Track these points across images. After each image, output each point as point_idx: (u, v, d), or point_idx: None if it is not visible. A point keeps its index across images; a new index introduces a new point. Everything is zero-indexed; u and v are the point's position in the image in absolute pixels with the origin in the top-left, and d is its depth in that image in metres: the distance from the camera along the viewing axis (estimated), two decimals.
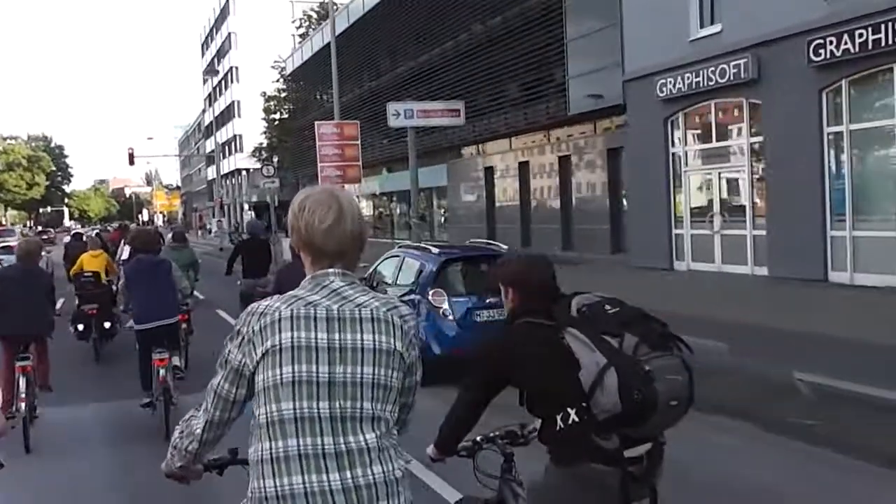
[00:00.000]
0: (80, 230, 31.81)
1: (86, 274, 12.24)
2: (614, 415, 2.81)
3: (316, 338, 2.19)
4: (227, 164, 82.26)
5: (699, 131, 19.11)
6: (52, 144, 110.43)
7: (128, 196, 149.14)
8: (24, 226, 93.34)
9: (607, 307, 3.01)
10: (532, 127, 25.44)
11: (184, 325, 10.37)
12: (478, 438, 3.50)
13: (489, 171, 29.26)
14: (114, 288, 11.94)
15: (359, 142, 22.34)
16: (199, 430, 2.37)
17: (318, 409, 2.14)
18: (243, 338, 2.24)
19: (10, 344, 8.13)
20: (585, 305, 3.02)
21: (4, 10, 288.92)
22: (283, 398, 2.14)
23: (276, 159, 55.37)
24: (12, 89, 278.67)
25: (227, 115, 78.99)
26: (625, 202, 22.12)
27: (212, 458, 2.67)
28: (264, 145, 56.59)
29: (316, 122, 22.01)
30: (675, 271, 19.12)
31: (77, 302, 12.22)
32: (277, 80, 54.39)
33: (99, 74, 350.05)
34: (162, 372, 7.96)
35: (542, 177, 26.07)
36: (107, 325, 11.86)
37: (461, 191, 31.87)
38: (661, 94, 18.80)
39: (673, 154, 19.37)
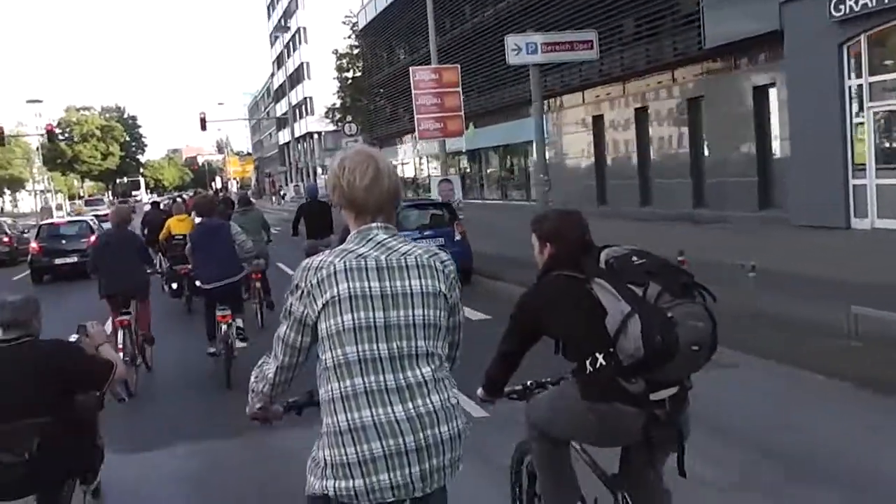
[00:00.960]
0: (157, 199, 32.58)
1: (176, 237, 12.75)
2: (638, 359, 2.87)
3: (369, 286, 2.38)
4: (298, 128, 79.97)
5: (890, 60, 15.33)
6: (126, 115, 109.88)
7: (200, 164, 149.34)
8: (111, 195, 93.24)
9: (634, 258, 3.06)
10: (654, 67, 21.83)
11: (257, 285, 11.47)
12: (528, 382, 3.61)
13: (598, 121, 25.73)
14: None
15: (460, 89, 19.18)
16: (270, 374, 2.58)
17: (378, 350, 2.35)
18: (302, 291, 2.43)
19: (111, 301, 8.79)
20: (613, 257, 3.09)
21: None
22: (347, 343, 2.35)
23: (349, 119, 52.80)
24: (85, 62, 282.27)
25: (296, 78, 76.41)
26: (776, 147, 18.52)
27: (290, 399, 2.82)
28: (337, 105, 53.75)
29: (411, 68, 18.93)
30: (852, 230, 15.57)
31: (169, 263, 13.19)
32: (349, 37, 51.35)
33: (167, 44, 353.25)
34: (224, 328, 8.48)
35: (666, 124, 22.48)
36: (197, 282, 11.53)
37: (563, 144, 28.34)
38: (835, 14, 15.08)
39: (850, 87, 15.65)
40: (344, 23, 51.21)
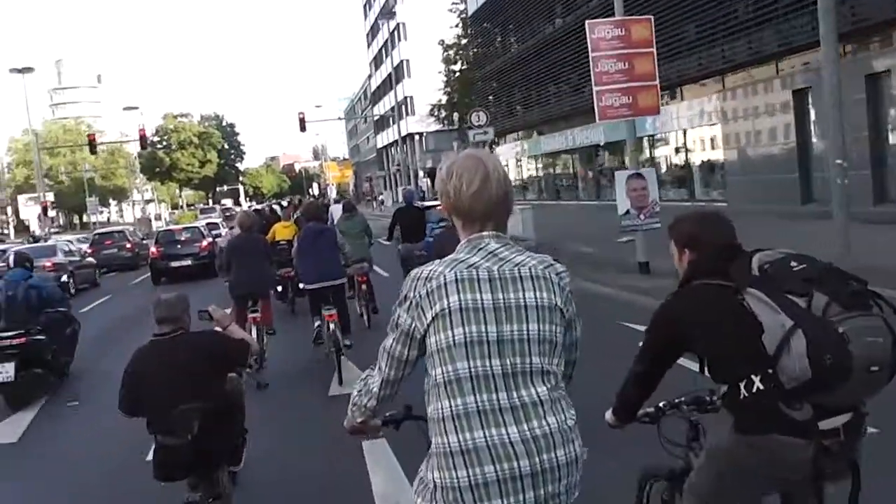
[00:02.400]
0: (258, 206, 34.21)
1: (280, 243, 12.94)
2: (803, 382, 2.45)
3: (481, 299, 2.19)
4: (397, 131, 75.68)
5: None
6: (224, 123, 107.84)
7: (297, 171, 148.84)
8: (212, 203, 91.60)
9: (793, 263, 2.60)
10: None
11: (363, 287, 11.74)
12: (661, 404, 3.17)
13: (800, 95, 19.71)
14: None
15: (654, 49, 13.60)
16: (375, 388, 2.42)
17: (491, 366, 2.16)
18: (411, 302, 2.25)
19: (240, 300, 9.47)
20: (767, 263, 2.64)
21: None
22: (458, 358, 2.16)
23: (456, 116, 47.80)
24: (184, 72, 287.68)
25: (394, 78, 71.98)
26: None
27: (388, 414, 2.71)
28: (443, 102, 48.81)
29: (588, 23, 13.48)
30: None
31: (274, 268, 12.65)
32: (456, 25, 46.33)
33: (263, 52, 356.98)
34: (332, 326, 8.64)
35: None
36: (301, 285, 11.57)
37: (755, 130, 22.35)
38: None
39: None
40: (450, 10, 46.30)
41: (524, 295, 2.22)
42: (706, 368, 2.79)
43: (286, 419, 7.45)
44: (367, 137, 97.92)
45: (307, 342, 9.72)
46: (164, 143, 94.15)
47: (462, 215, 2.31)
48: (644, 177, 13.73)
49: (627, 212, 13.58)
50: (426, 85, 58.15)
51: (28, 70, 39.76)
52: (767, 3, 19.08)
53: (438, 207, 19.09)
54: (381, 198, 67.22)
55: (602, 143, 30.73)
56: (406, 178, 72.36)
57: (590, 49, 13.36)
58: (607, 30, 13.41)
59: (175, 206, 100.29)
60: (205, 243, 23.00)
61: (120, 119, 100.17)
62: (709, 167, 24.33)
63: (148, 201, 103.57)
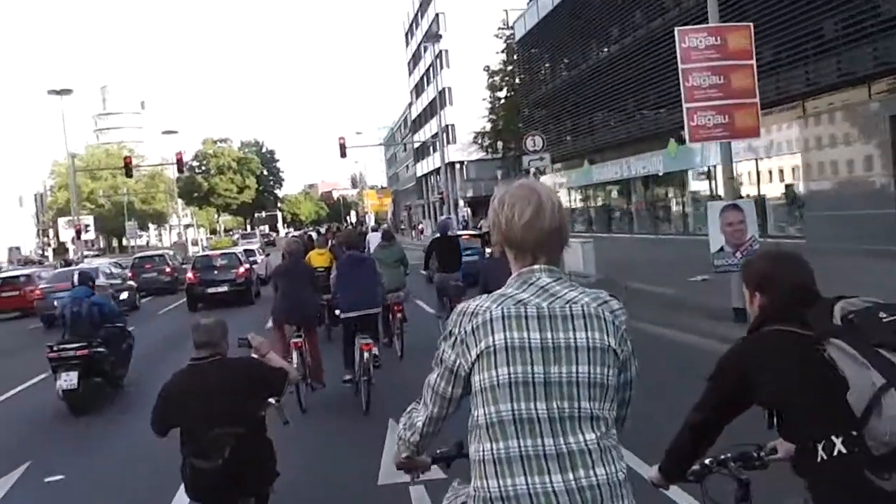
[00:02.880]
0: (295, 233, 35.97)
1: (317, 270, 12.46)
2: (895, 448, 2.20)
3: (529, 337, 2.07)
4: (438, 159, 74.24)
5: None
6: (264, 149, 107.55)
7: (335, 199, 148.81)
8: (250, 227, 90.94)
9: (882, 314, 2.35)
10: None
11: (398, 315, 11.54)
12: (707, 461, 2.87)
13: None
14: None
15: (753, 61, 11.69)
16: (419, 424, 2.33)
17: (536, 409, 2.03)
18: (456, 338, 2.16)
19: (282, 325, 9.37)
20: (853, 312, 2.38)
21: (215, 19, 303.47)
22: (501, 399, 2.05)
23: (500, 145, 46.14)
24: (225, 98, 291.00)
25: (436, 105, 70.68)
26: None
27: (439, 451, 2.64)
28: (487, 129, 47.16)
29: (677, 30, 11.67)
30: None
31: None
32: (502, 51, 44.81)
33: (305, 82, 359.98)
34: (366, 356, 8.55)
35: None
36: (336, 312, 11.52)
37: (843, 160, 20.20)
38: None
39: None
40: (497, 35, 44.80)
41: (575, 335, 2.07)
42: (776, 424, 2.50)
43: (308, 446, 7.29)
44: (407, 166, 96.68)
45: (340, 370, 9.50)
46: (203, 168, 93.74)
47: (514, 247, 2.19)
48: (742, 209, 11.77)
49: (721, 249, 11.66)
50: (468, 113, 56.73)
51: (66, 92, 38.88)
52: (861, 20, 17.14)
53: (464, 236, 17.51)
54: (420, 226, 65.55)
55: (661, 173, 28.75)
56: (447, 207, 70.90)
57: (679, 61, 11.55)
58: (700, 38, 11.56)
59: (213, 232, 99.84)
60: (242, 269, 22.66)
61: (161, 144, 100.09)
62: (785, 200, 22.25)
63: (187, 226, 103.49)
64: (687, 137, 11.77)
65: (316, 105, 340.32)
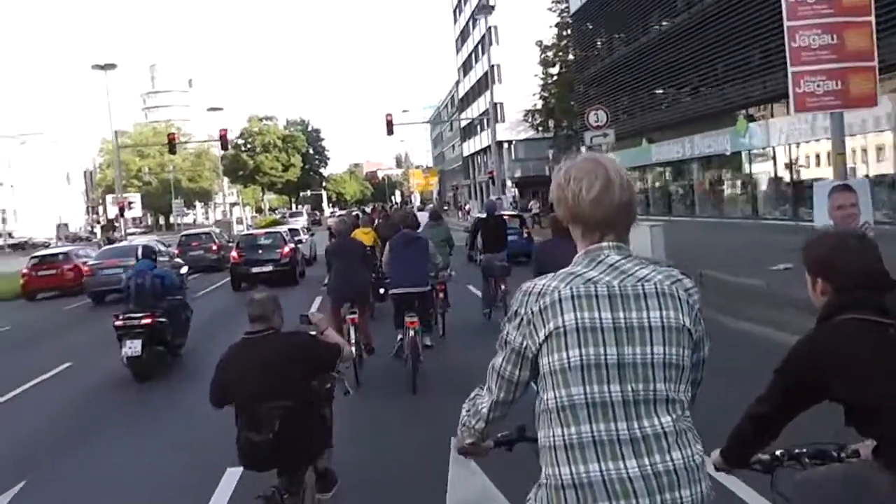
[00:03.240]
0: (341, 212, 35.50)
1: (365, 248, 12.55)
2: None
3: (600, 317, 1.97)
4: (485, 138, 72.58)
5: None
6: (309, 128, 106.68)
7: (380, 178, 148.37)
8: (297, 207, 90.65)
9: None
10: None
11: (440, 295, 11.35)
12: (778, 453, 2.72)
13: None
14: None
15: (871, 17, 10.02)
16: (484, 410, 2.25)
17: (610, 392, 1.93)
18: (522, 319, 2.05)
19: (337, 302, 9.59)
20: None
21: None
22: (573, 383, 1.95)
23: (552, 124, 44.39)
24: (272, 77, 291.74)
25: (484, 83, 68.95)
26: None
27: (500, 434, 2.56)
28: (538, 107, 45.39)
29: None
30: None
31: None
32: (556, 25, 42.93)
33: (351, 61, 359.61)
34: (412, 333, 8.56)
35: None
36: (381, 290, 12.08)
37: None
38: None
39: None
40: (550, 9, 42.92)
41: (649, 314, 1.97)
42: (854, 420, 2.37)
43: (356, 425, 7.22)
44: (453, 145, 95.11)
45: (387, 347, 9.88)
46: (248, 145, 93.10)
47: (581, 223, 2.08)
48: (854, 190, 10.08)
49: None
50: (517, 92, 54.87)
51: (111, 66, 38.10)
52: None
53: (505, 216, 15.80)
54: (467, 206, 64.13)
55: (728, 153, 26.87)
56: (497, 186, 69.43)
57: (785, 17, 9.95)
58: None
59: (259, 210, 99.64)
60: (286, 249, 22.13)
61: (207, 122, 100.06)
62: (873, 183, 20.33)
63: (232, 204, 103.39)
64: (792, 106, 10.17)
65: (362, 84, 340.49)
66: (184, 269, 18.88)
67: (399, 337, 9.19)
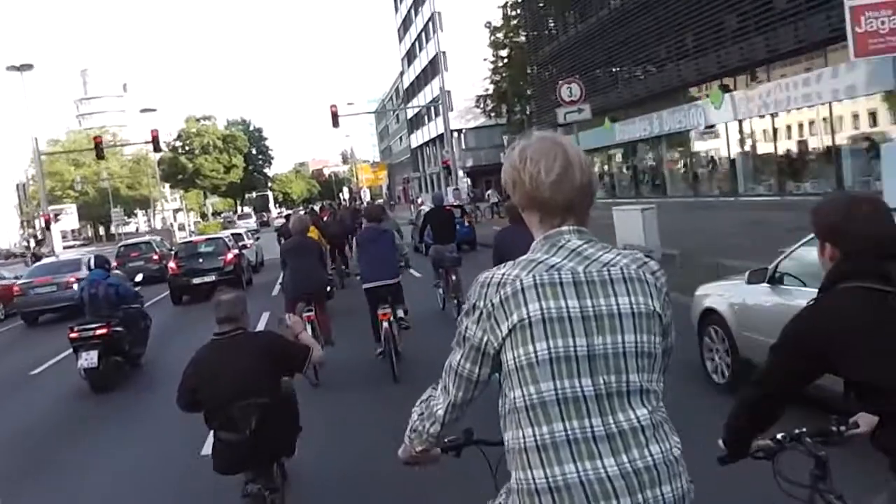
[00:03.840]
0: (289, 213, 32.37)
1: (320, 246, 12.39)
2: None
3: (567, 306, 1.82)
4: (433, 128, 70.29)
5: None
6: (251, 128, 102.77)
7: (327, 176, 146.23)
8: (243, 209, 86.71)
9: None
10: None
11: None
12: (779, 436, 2.59)
13: None
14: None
15: None
16: (440, 412, 2.07)
17: (582, 387, 1.80)
18: (481, 312, 1.88)
19: (293, 302, 9.41)
20: None
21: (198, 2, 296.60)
22: (542, 378, 1.80)
23: (504, 109, 42.35)
24: (209, 77, 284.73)
25: (430, 72, 66.59)
26: None
27: (447, 439, 2.37)
28: (490, 91, 43.24)
29: None
30: None
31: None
32: (504, 6, 40.80)
33: (288, 57, 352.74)
34: (386, 325, 8.82)
35: None
36: (327, 288, 11.65)
37: None
38: None
39: None
40: None
41: (617, 300, 1.84)
42: (851, 395, 2.24)
43: (338, 416, 7.43)
44: (400, 137, 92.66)
45: (362, 341, 9.81)
46: (187, 147, 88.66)
47: (539, 207, 1.92)
48: None
49: None
50: (465, 79, 52.79)
51: (27, 67, 34.70)
52: None
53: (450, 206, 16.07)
54: (419, 200, 61.95)
55: (703, 127, 25.01)
56: (453, 176, 67.37)
57: None
58: None
59: (203, 215, 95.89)
60: (230, 256, 20.53)
61: (144, 126, 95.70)
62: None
63: (176, 210, 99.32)
64: (851, 51, 8.07)
65: (303, 80, 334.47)
66: (138, 277, 17.10)
67: (378, 350, 9.11)
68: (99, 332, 10.11)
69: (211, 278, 19.44)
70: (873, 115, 18.23)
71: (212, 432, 4.42)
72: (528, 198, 1.91)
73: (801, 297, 5.20)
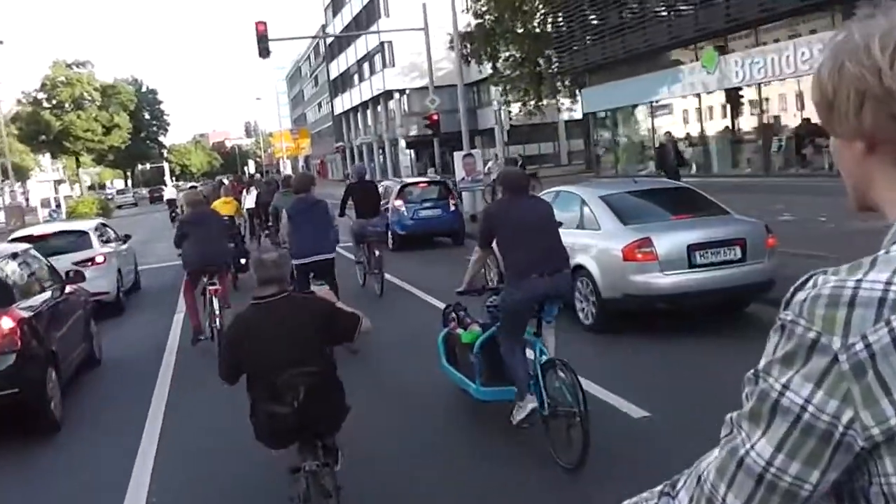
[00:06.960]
0: (196, 185, 31.29)
1: (223, 218, 11.66)
2: None
3: None
4: (365, 89, 57.24)
5: None
6: (144, 88, 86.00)
7: (229, 149, 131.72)
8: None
9: None
10: None
11: (376, 253, 11.44)
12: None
13: None
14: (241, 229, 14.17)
15: None
16: None
17: None
18: (838, 362, 0.88)
19: (195, 275, 9.14)
20: None
21: None
22: None
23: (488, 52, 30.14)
24: (106, 41, 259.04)
25: (363, 20, 53.40)
26: None
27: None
28: (472, 28, 30.83)
29: None
30: None
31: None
32: None
33: (187, 21, 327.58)
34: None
35: None
36: (242, 260, 11.64)
37: None
38: None
39: None
40: None
41: None
42: None
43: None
44: (320, 104, 78.76)
45: None
46: (54, 101, 68.17)
47: None
48: None
49: None
50: (410, 25, 40.26)
51: None
52: None
53: (422, 184, 17.36)
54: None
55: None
56: (387, 146, 54.56)
57: None
58: None
59: (91, 187, 79.78)
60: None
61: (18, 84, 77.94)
62: None
63: (58, 182, 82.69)
64: None
65: (201, 46, 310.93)
66: None
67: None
68: None
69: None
70: None
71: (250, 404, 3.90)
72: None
73: None
